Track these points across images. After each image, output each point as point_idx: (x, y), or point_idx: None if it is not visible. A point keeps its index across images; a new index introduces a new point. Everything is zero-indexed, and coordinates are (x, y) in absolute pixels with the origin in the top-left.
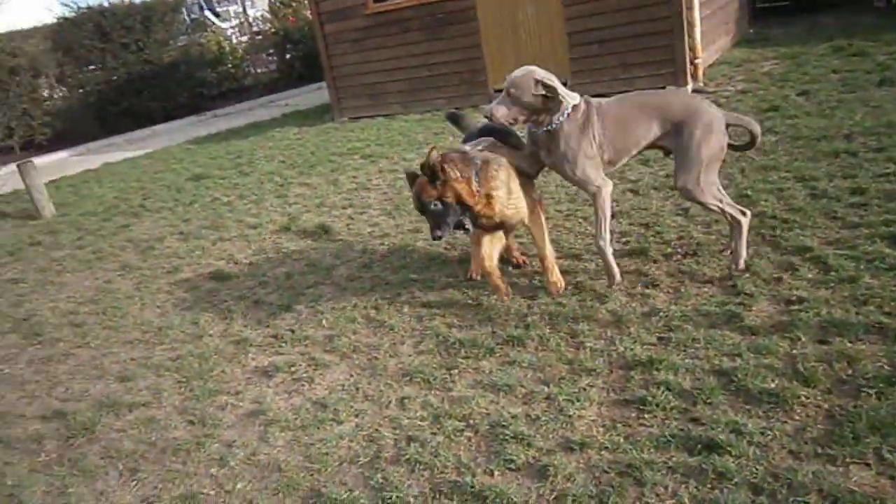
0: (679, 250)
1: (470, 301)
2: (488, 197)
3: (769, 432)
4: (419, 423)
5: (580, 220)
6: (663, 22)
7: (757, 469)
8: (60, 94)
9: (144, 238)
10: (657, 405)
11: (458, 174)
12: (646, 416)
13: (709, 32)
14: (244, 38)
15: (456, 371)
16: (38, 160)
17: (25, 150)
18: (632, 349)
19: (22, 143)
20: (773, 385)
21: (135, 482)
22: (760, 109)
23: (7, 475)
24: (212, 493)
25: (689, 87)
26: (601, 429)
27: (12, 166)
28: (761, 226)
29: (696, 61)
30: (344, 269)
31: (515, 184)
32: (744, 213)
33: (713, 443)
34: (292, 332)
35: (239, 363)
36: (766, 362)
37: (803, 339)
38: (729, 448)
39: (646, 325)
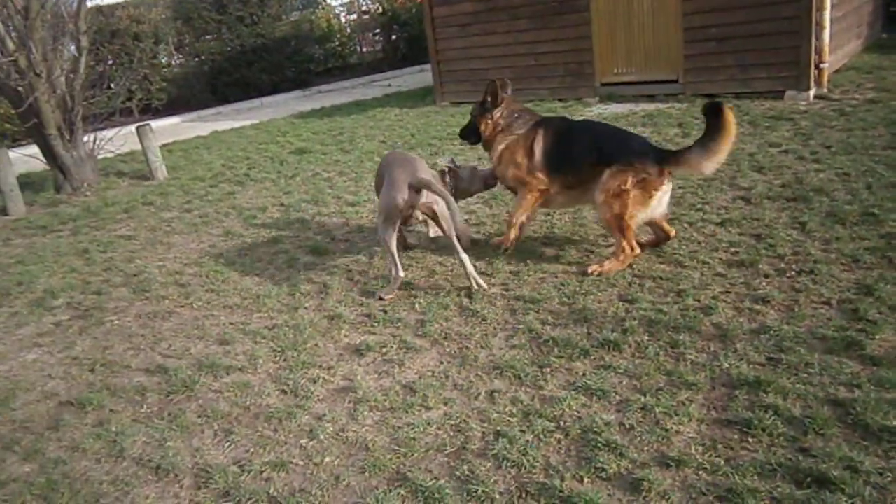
0: (794, 266)
1: (565, 299)
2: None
3: (888, 473)
4: (508, 418)
5: (685, 226)
6: (790, 22)
7: None
8: (178, 61)
9: (247, 206)
10: (763, 430)
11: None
12: (750, 439)
13: (838, 35)
14: (352, 17)
15: (548, 369)
16: (153, 123)
17: (143, 113)
18: (737, 367)
19: (140, 107)
20: (895, 423)
21: (228, 443)
22: (892, 122)
23: (112, 422)
24: (300, 463)
25: (812, 92)
26: (700, 447)
27: (131, 128)
28: (888, 248)
29: (822, 66)
30: (438, 254)
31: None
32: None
33: (824, 477)
34: (385, 312)
35: (332, 338)
36: (889, 397)
37: None
38: (842, 485)
39: (754, 342)
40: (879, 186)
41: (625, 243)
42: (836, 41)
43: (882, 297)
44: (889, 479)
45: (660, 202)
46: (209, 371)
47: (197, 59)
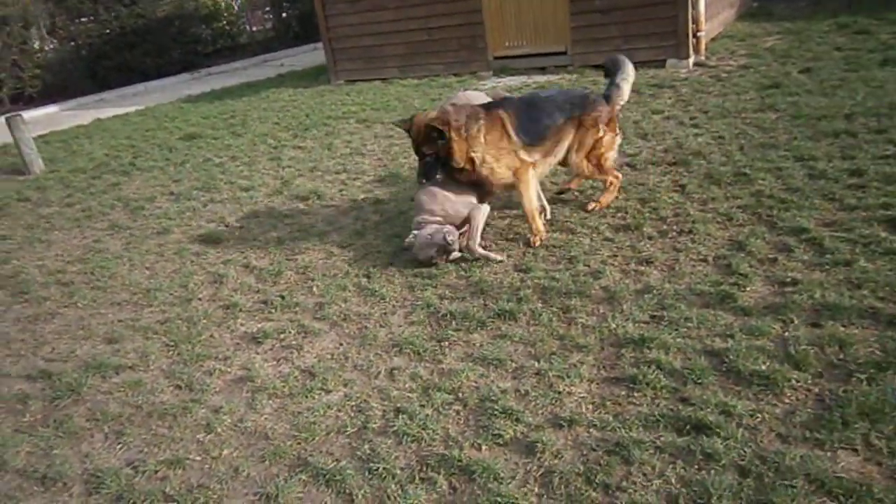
0: (675, 227)
1: (462, 272)
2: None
3: (758, 415)
4: (408, 394)
5: (575, 193)
6: None
7: (745, 451)
8: (51, 46)
9: (134, 197)
10: (647, 384)
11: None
12: (636, 394)
13: (713, 5)
14: None
15: (446, 343)
16: (28, 114)
17: (15, 102)
18: (624, 327)
19: (11, 96)
20: (763, 367)
21: (120, 445)
22: (762, 86)
23: None
24: (198, 458)
25: (691, 60)
26: (590, 406)
27: (0, 119)
28: (758, 205)
29: (699, 34)
30: (336, 235)
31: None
32: None
33: (702, 424)
34: (282, 298)
35: (227, 328)
36: (758, 344)
37: (796, 321)
38: (717, 429)
39: (639, 302)
40: (750, 147)
41: (611, 178)
42: (711, 10)
43: (752, 252)
44: (759, 419)
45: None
46: (97, 372)
47: (73, 44)
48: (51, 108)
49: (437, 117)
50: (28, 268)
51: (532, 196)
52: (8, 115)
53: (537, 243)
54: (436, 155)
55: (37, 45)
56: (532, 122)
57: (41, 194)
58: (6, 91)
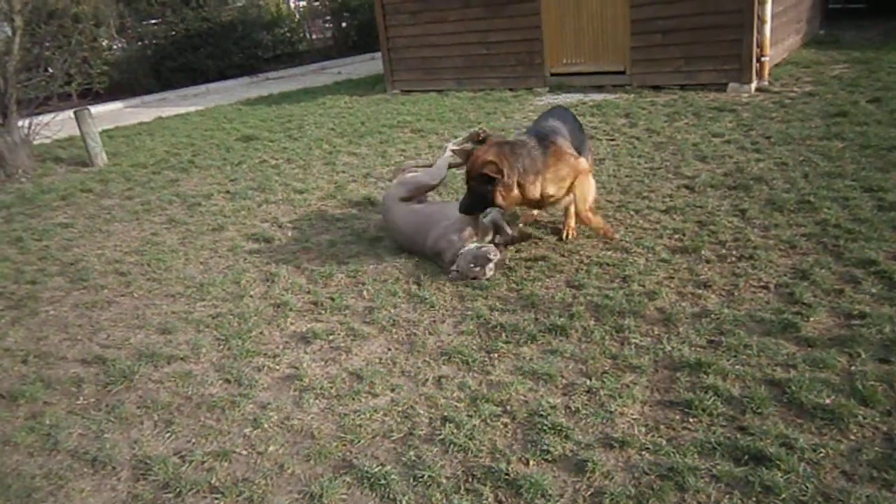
0: (734, 252)
1: (513, 285)
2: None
3: (821, 449)
4: (455, 404)
5: (632, 213)
6: (733, 15)
7: (806, 487)
8: (119, 45)
9: (192, 194)
10: (703, 410)
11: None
12: (691, 420)
13: (778, 30)
14: (302, 3)
15: (495, 355)
16: (94, 109)
17: (83, 97)
18: (679, 350)
19: (80, 91)
20: (828, 401)
21: (169, 434)
22: (828, 114)
23: (46, 415)
24: (244, 452)
25: (753, 84)
26: (643, 428)
27: (69, 112)
28: (823, 234)
29: (763, 59)
30: (388, 241)
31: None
32: None
33: (761, 454)
34: (332, 300)
35: (277, 326)
36: (822, 376)
37: (863, 355)
38: (778, 462)
39: (696, 326)
40: (815, 175)
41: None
42: (776, 35)
43: (817, 281)
44: (822, 454)
45: None
46: (149, 361)
47: (140, 43)
48: (116, 105)
49: (491, 162)
50: (88, 256)
51: (592, 196)
52: (76, 109)
53: (615, 236)
54: (482, 195)
55: (105, 43)
56: (575, 136)
57: (103, 186)
58: (75, 86)
